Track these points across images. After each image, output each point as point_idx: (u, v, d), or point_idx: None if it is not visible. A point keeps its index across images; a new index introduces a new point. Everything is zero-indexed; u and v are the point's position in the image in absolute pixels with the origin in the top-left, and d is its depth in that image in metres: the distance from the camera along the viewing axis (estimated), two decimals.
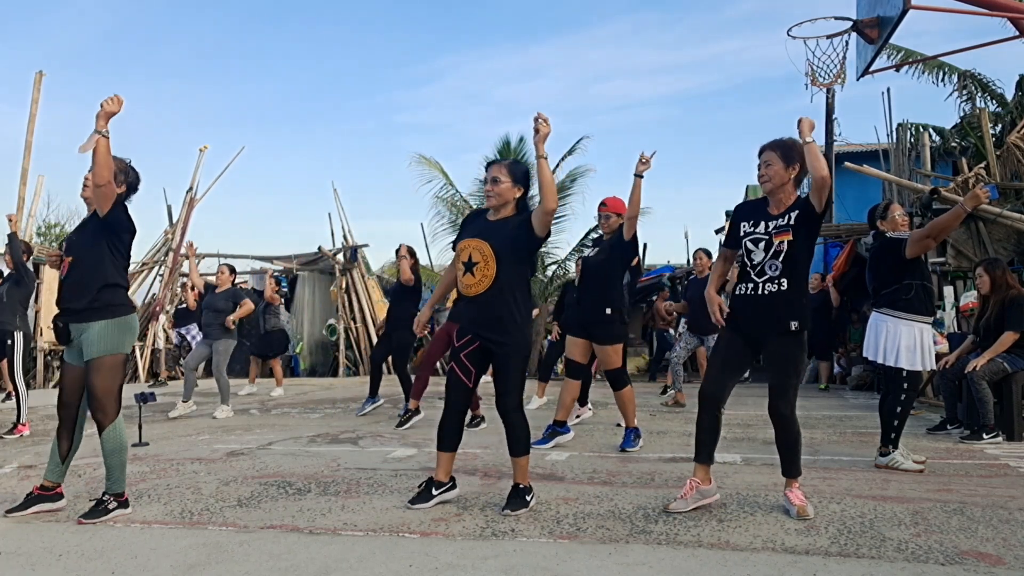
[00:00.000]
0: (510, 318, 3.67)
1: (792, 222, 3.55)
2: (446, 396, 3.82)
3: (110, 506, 3.68)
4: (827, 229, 13.20)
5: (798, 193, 3.69)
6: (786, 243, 3.54)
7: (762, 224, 3.64)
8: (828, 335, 10.93)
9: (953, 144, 12.51)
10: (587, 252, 5.64)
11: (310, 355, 15.60)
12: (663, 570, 2.85)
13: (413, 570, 2.86)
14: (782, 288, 3.56)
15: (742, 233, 3.69)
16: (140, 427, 6.13)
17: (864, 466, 4.84)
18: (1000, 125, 12.17)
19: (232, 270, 8.70)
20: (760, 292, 3.60)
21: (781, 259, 3.56)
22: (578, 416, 6.99)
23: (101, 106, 3.46)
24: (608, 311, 5.37)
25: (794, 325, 3.56)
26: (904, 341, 4.69)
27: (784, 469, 3.72)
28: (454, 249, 3.89)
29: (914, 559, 2.92)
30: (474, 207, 14.47)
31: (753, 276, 3.63)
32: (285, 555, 3.07)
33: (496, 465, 4.86)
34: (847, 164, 11.33)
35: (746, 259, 3.68)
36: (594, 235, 5.85)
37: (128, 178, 3.84)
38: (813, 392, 10.43)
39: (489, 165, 3.85)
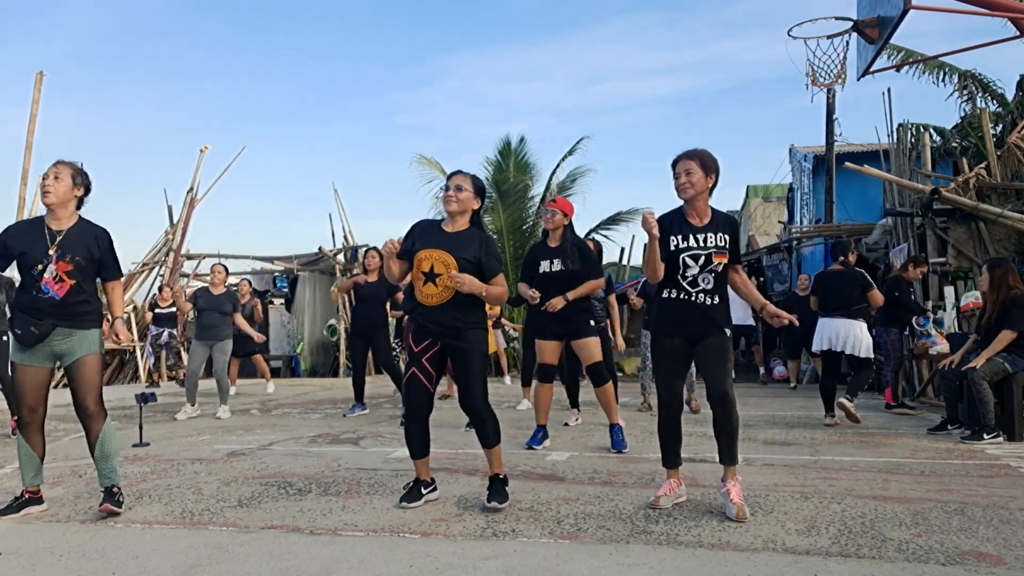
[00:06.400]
0: (472, 322, 3.82)
1: (728, 247, 3.76)
2: (409, 402, 3.87)
3: (120, 499, 3.76)
4: (828, 229, 13.22)
5: (712, 207, 3.84)
6: (722, 265, 3.75)
7: (691, 238, 3.74)
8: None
9: (954, 144, 12.48)
10: (543, 266, 5.47)
11: (311, 355, 15.62)
12: (664, 570, 2.85)
13: (414, 570, 2.86)
14: (715, 302, 3.76)
15: (673, 247, 3.75)
16: (141, 427, 6.14)
17: (865, 466, 4.84)
18: (1001, 125, 12.14)
19: (226, 270, 8.69)
20: (693, 300, 3.74)
21: (715, 276, 3.75)
22: (576, 421, 6.96)
23: None
24: (584, 310, 5.53)
25: (728, 331, 3.77)
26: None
27: (726, 456, 3.71)
28: (407, 256, 3.90)
29: (915, 559, 2.92)
30: None
31: (685, 285, 3.75)
32: (286, 555, 3.07)
33: None
34: (847, 164, 11.33)
35: (680, 272, 3.76)
36: (549, 238, 5.68)
37: (84, 180, 3.90)
38: (814, 392, 10.41)
39: (453, 174, 3.94)
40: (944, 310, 8.90)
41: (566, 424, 6.86)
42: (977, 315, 6.88)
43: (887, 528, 3.35)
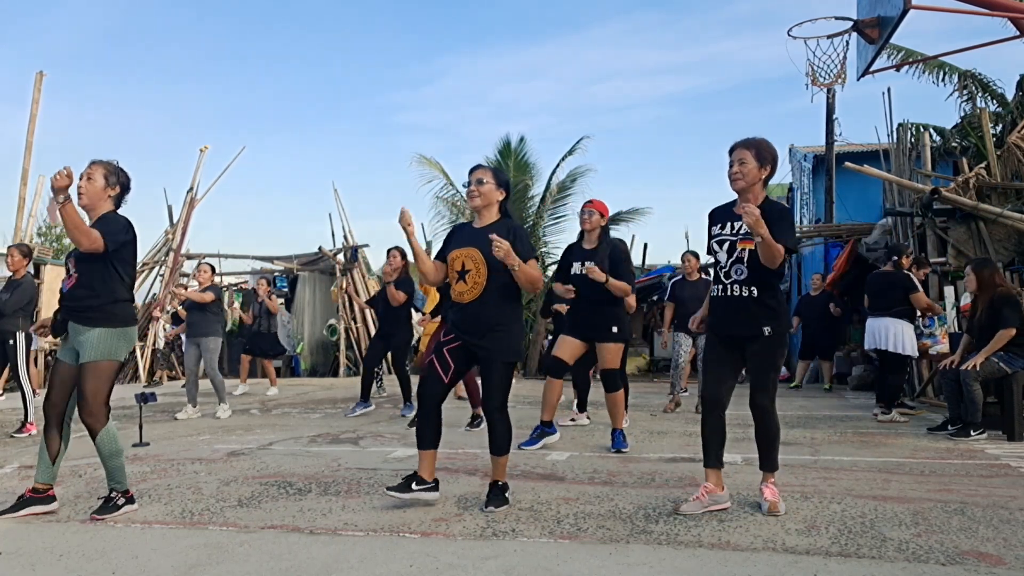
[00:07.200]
0: (500, 323, 3.75)
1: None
2: (420, 390, 3.86)
3: (119, 502, 3.73)
4: (828, 229, 13.22)
5: (766, 194, 3.72)
6: (747, 251, 3.58)
7: (728, 225, 3.69)
8: (830, 335, 10.92)
9: (953, 144, 12.46)
10: (575, 267, 5.48)
11: (311, 355, 15.61)
12: (663, 570, 2.85)
13: (414, 570, 2.86)
14: (753, 295, 3.60)
15: (710, 236, 3.74)
16: (141, 427, 6.13)
17: (865, 466, 4.84)
18: (1000, 125, 12.12)
19: (213, 269, 8.64)
20: (729, 293, 3.65)
21: (746, 264, 3.59)
22: (572, 420, 6.95)
23: (52, 182, 3.42)
24: (612, 316, 5.44)
25: (767, 331, 3.60)
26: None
27: (761, 463, 3.76)
28: (443, 259, 3.97)
29: (915, 559, 2.92)
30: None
31: (721, 278, 3.70)
32: (286, 555, 3.07)
33: None
34: (847, 164, 11.32)
35: (715, 260, 3.74)
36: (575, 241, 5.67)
37: (120, 179, 3.86)
38: (816, 392, 10.42)
39: (473, 169, 3.92)
40: (944, 310, 8.90)
41: (572, 420, 6.86)
42: (969, 315, 6.89)
43: (887, 528, 3.35)
